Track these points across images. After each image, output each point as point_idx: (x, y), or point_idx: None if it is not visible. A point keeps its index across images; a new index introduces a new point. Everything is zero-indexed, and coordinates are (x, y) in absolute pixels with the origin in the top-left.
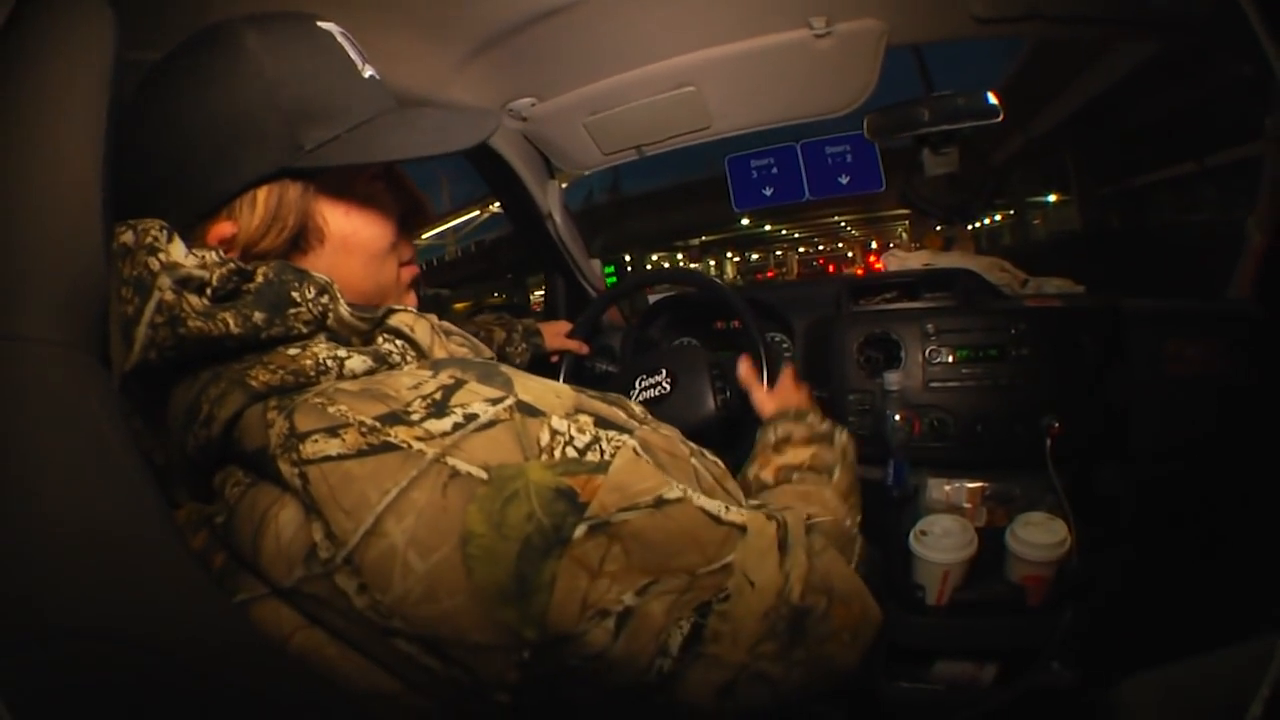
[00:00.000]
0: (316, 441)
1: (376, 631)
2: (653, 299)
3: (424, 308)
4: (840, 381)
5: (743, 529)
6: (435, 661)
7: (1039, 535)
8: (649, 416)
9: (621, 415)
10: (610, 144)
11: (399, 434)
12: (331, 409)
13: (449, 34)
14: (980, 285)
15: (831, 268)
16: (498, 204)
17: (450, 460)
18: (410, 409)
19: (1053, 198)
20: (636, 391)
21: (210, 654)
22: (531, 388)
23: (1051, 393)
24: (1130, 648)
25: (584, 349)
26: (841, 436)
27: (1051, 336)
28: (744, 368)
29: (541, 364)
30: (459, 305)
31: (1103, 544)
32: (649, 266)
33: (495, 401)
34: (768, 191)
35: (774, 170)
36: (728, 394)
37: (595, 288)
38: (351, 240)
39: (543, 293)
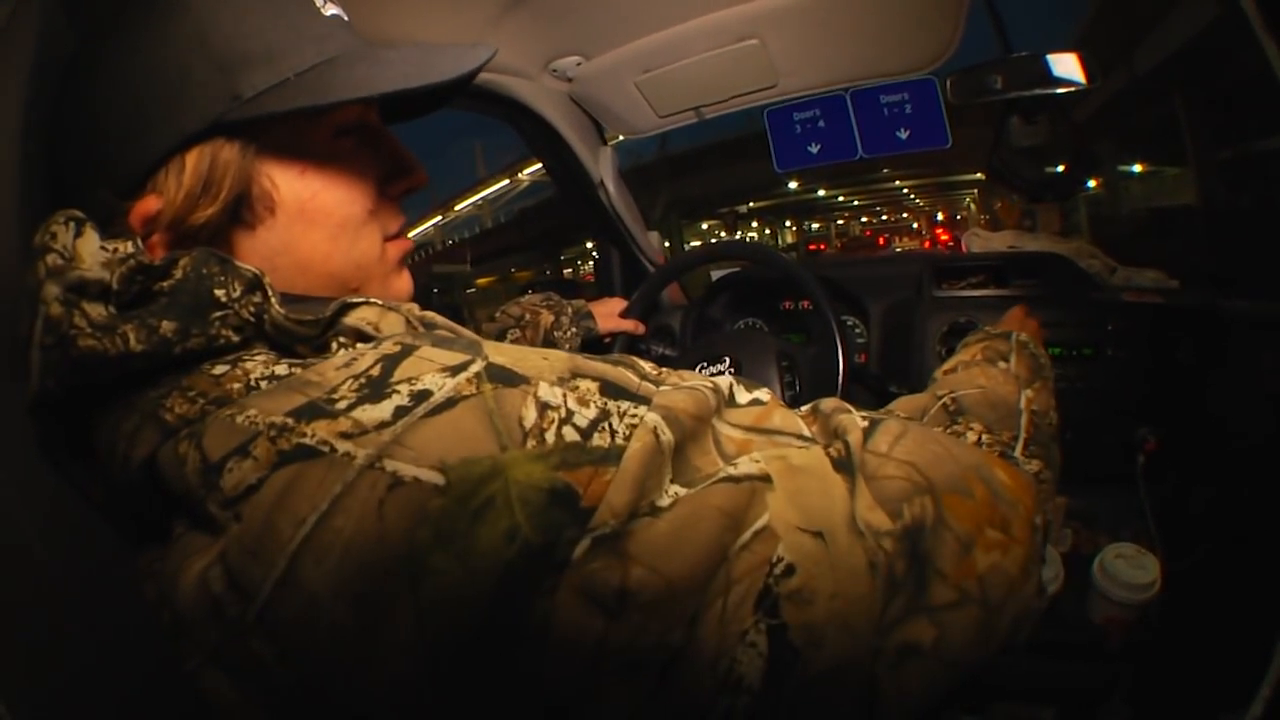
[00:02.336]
0: (232, 470)
1: (314, 710)
2: (715, 275)
3: (436, 288)
4: (920, 375)
5: (765, 477)
6: None
7: (1129, 574)
8: (664, 370)
9: (632, 378)
10: (666, 105)
11: (316, 431)
12: (240, 418)
13: None
14: (1073, 273)
15: (882, 240)
16: (528, 171)
17: (389, 464)
18: (335, 395)
19: (1137, 168)
20: None
21: None
22: (507, 349)
23: (1147, 401)
24: (1198, 691)
25: (640, 329)
26: (1020, 336)
27: (1149, 337)
28: None
29: (593, 347)
30: (481, 281)
31: (1190, 579)
32: (688, 241)
33: (456, 370)
34: (814, 149)
35: (820, 124)
36: (797, 388)
37: (653, 262)
38: (310, 206)
39: (569, 269)
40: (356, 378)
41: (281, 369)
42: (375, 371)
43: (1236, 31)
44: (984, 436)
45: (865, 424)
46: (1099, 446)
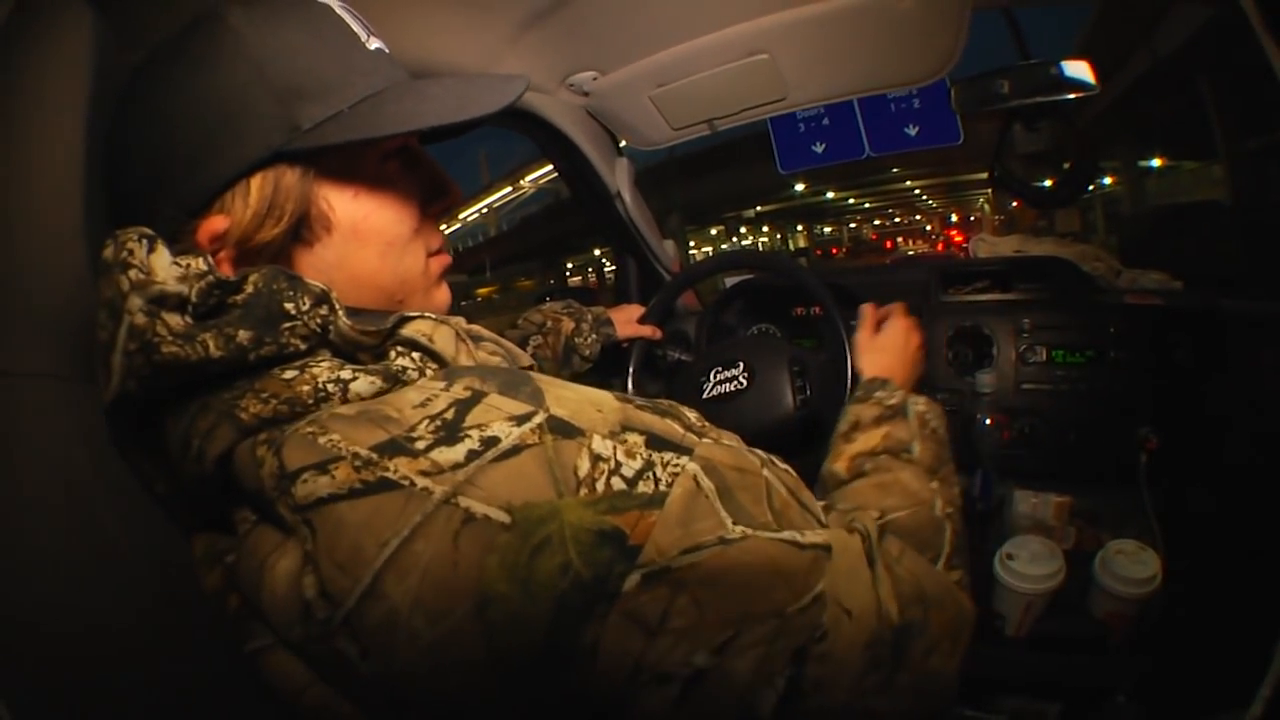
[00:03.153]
0: (306, 481)
1: (387, 700)
2: (729, 282)
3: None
4: (928, 379)
5: (827, 549)
6: None
7: (1130, 569)
8: (707, 424)
9: (677, 429)
10: (680, 118)
11: (399, 468)
12: (323, 439)
13: (498, 5)
14: (1076, 277)
15: (889, 244)
16: (530, 177)
17: (463, 500)
18: (414, 434)
19: (1157, 162)
20: (711, 383)
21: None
22: (567, 399)
23: (1149, 402)
24: (1204, 685)
25: (657, 334)
26: (917, 406)
27: (1150, 339)
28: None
29: (612, 352)
30: (482, 291)
31: (1191, 576)
32: (698, 248)
33: (521, 420)
34: (819, 148)
35: (825, 123)
36: (808, 392)
37: (668, 270)
38: (363, 226)
39: (578, 277)
40: (432, 419)
41: (346, 374)
42: (449, 415)
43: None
44: None
45: (878, 524)
46: (1102, 447)
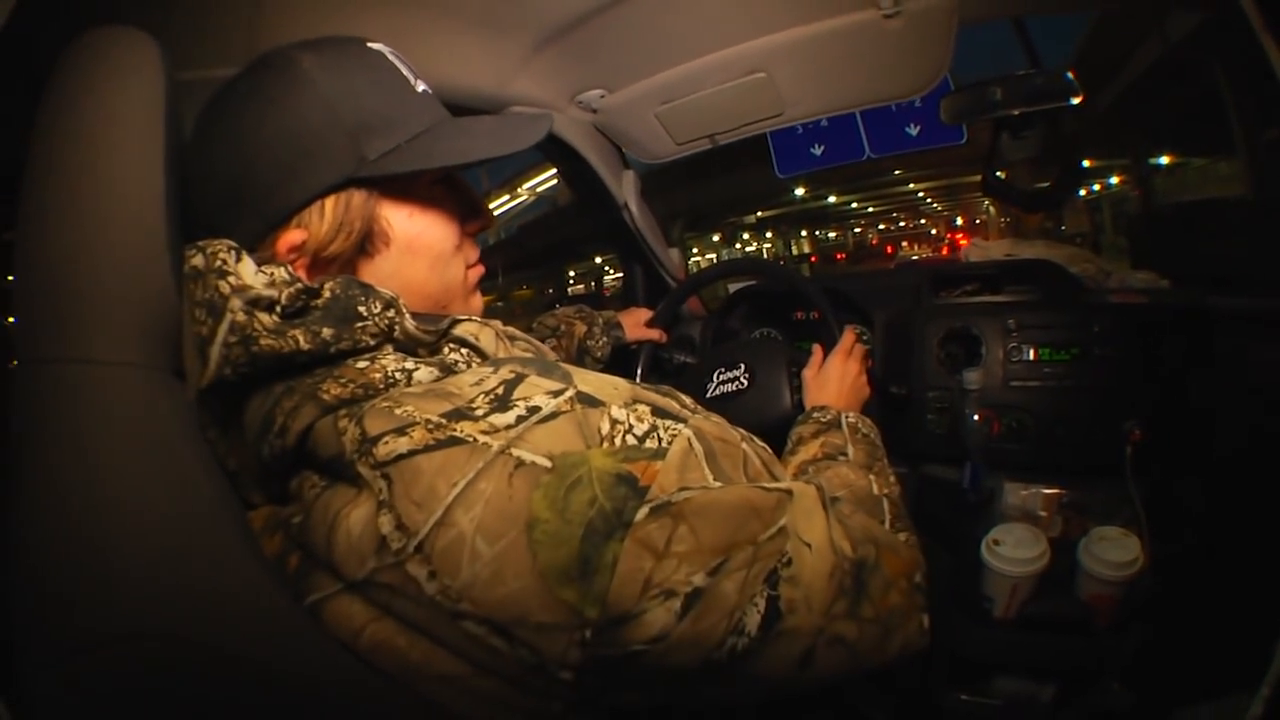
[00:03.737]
0: (387, 442)
1: (446, 615)
2: (732, 289)
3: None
4: (920, 377)
5: (789, 492)
6: (501, 642)
7: (1113, 553)
8: (699, 407)
9: (675, 405)
10: (683, 133)
11: (464, 428)
12: (399, 410)
13: (511, 30)
14: (1063, 278)
15: (890, 249)
16: (528, 185)
17: (515, 451)
18: (474, 405)
19: (1165, 159)
20: (714, 384)
21: (283, 652)
22: (590, 379)
23: (1134, 396)
24: (1194, 672)
25: (664, 338)
26: (849, 418)
27: (1134, 336)
28: (810, 368)
29: (621, 354)
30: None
31: (1176, 562)
32: (695, 251)
33: (556, 394)
34: (817, 151)
35: (824, 125)
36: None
37: (674, 277)
38: (417, 242)
39: (581, 285)
40: (487, 394)
41: (409, 364)
42: (500, 391)
43: None
44: None
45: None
46: (1088, 440)
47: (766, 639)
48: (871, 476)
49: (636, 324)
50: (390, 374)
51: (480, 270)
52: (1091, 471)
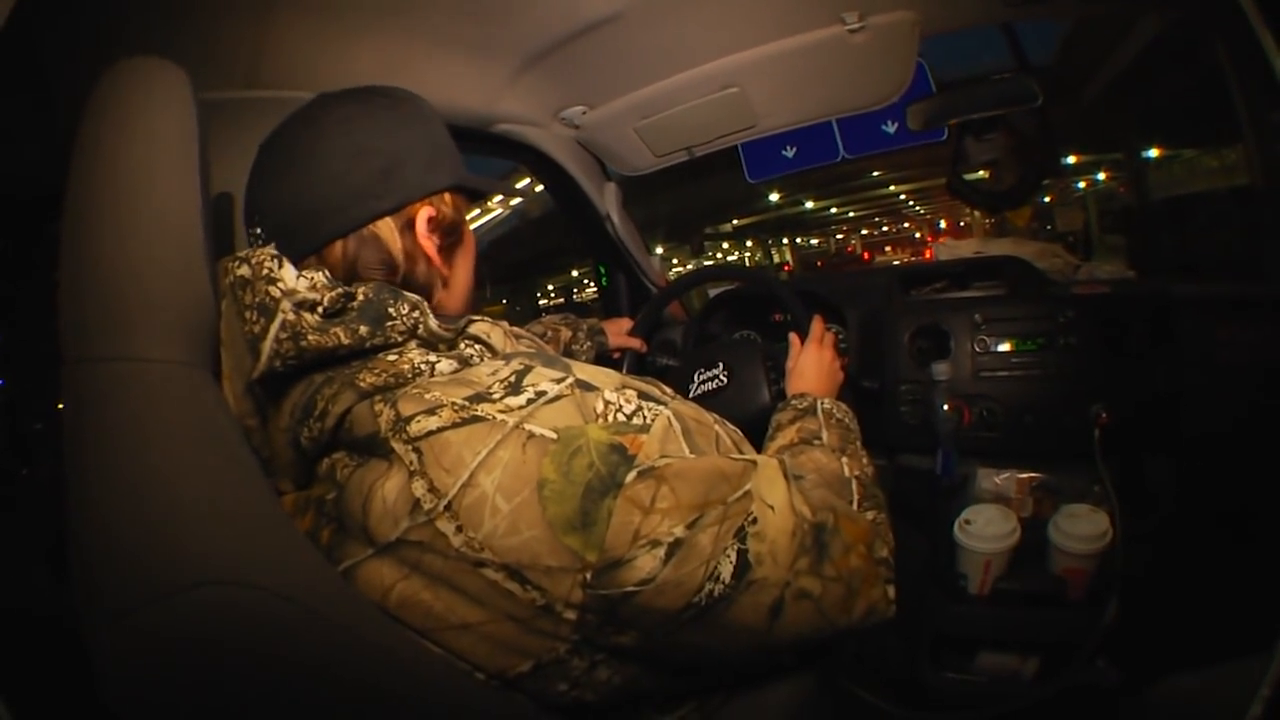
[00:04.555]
0: (419, 421)
1: (468, 564)
2: (712, 294)
3: None
4: (892, 372)
5: (754, 462)
6: (516, 585)
7: (1080, 527)
8: (677, 394)
9: (657, 392)
10: (661, 146)
11: (485, 409)
12: (428, 395)
13: (498, 53)
14: (1028, 273)
15: (867, 255)
16: (498, 199)
17: (527, 426)
18: (492, 390)
19: (1154, 152)
20: (695, 384)
21: (326, 601)
22: (586, 370)
23: (1099, 382)
24: (1174, 645)
25: (644, 348)
26: (824, 404)
27: (1099, 324)
28: (789, 359)
29: (604, 360)
30: None
31: (1147, 537)
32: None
33: (559, 380)
34: (789, 153)
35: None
36: (781, 385)
37: (655, 284)
38: (472, 246)
39: (561, 298)
40: (501, 381)
41: (432, 357)
42: (512, 378)
43: None
44: None
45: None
46: (1057, 426)
47: (739, 587)
48: (844, 459)
49: (619, 331)
50: (417, 365)
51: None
52: (1061, 455)
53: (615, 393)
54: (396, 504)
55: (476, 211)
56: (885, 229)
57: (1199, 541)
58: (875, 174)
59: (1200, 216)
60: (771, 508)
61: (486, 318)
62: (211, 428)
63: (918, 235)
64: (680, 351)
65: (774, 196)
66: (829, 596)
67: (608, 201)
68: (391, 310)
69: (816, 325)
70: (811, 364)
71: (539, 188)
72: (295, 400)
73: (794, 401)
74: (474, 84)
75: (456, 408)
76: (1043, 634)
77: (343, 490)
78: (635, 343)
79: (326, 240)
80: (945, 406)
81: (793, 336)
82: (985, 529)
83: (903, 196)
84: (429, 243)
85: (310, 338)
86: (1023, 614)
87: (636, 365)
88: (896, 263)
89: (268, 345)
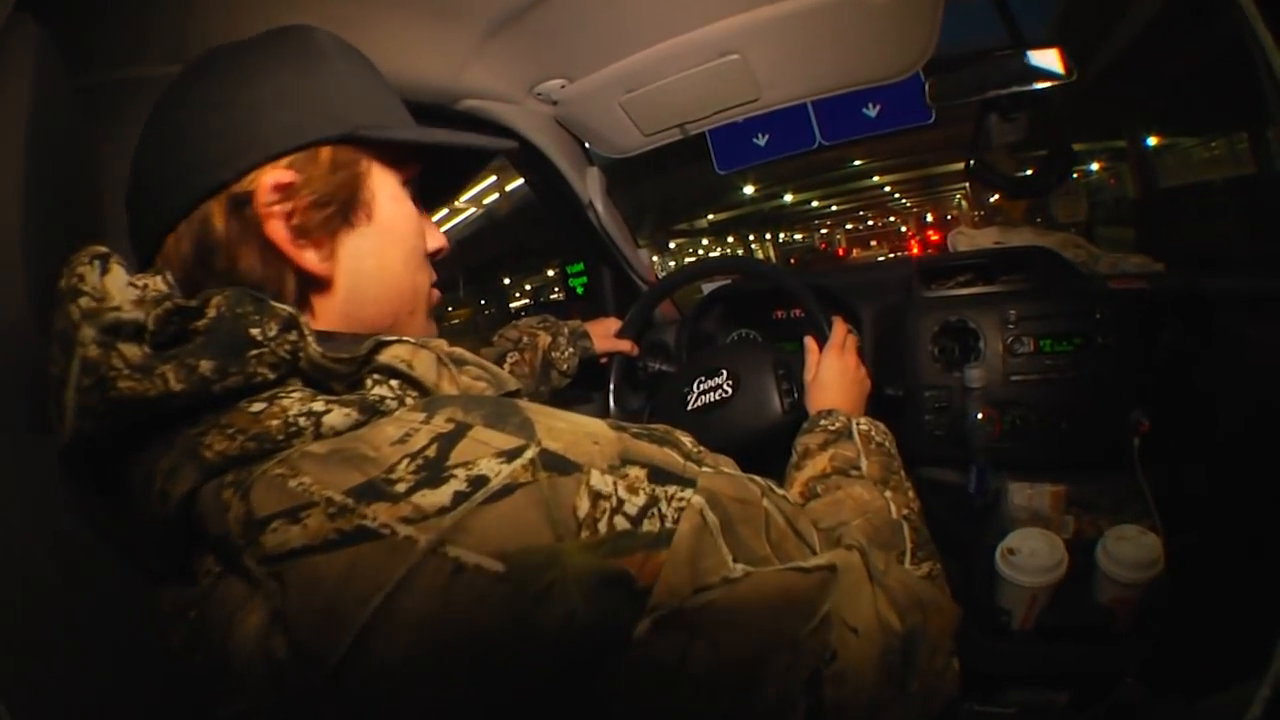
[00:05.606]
0: (277, 530)
1: None
2: (707, 289)
3: None
4: (914, 376)
5: (832, 568)
6: None
7: (1132, 553)
8: (703, 449)
9: (678, 460)
10: (651, 123)
11: (378, 514)
12: (293, 483)
13: (460, 16)
14: (1060, 265)
15: (841, 251)
16: (465, 198)
17: (451, 550)
18: (394, 475)
19: (1153, 141)
20: (695, 394)
21: None
22: (560, 431)
23: (1139, 385)
24: (1206, 663)
25: (634, 350)
26: (860, 426)
27: (1137, 322)
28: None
29: (590, 367)
30: None
31: (1191, 555)
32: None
33: (511, 456)
34: (761, 141)
35: (768, 111)
36: (795, 395)
37: (644, 280)
38: (395, 226)
39: (532, 299)
40: (413, 458)
41: (318, 405)
42: (431, 452)
43: None
44: None
45: (864, 541)
46: (1094, 434)
47: None
48: (888, 494)
49: (605, 334)
50: (292, 420)
51: (437, 295)
52: (1097, 466)
53: (610, 475)
54: (259, 662)
55: (444, 212)
56: (871, 223)
57: (1235, 554)
58: (857, 163)
59: (1214, 205)
60: (855, 630)
61: (408, 338)
62: (31, 521)
63: (904, 229)
64: (674, 355)
65: (749, 189)
66: (909, 715)
67: (590, 188)
68: (255, 331)
69: (839, 328)
70: (835, 374)
71: (509, 186)
72: (135, 472)
73: (823, 421)
74: (433, 52)
75: (332, 511)
76: (1084, 667)
77: (204, 610)
78: (625, 345)
79: (156, 235)
80: (979, 415)
81: (809, 341)
82: (1030, 560)
83: (888, 189)
84: (275, 222)
85: (122, 385)
86: (1067, 649)
87: (626, 371)
88: (880, 259)
89: (69, 397)
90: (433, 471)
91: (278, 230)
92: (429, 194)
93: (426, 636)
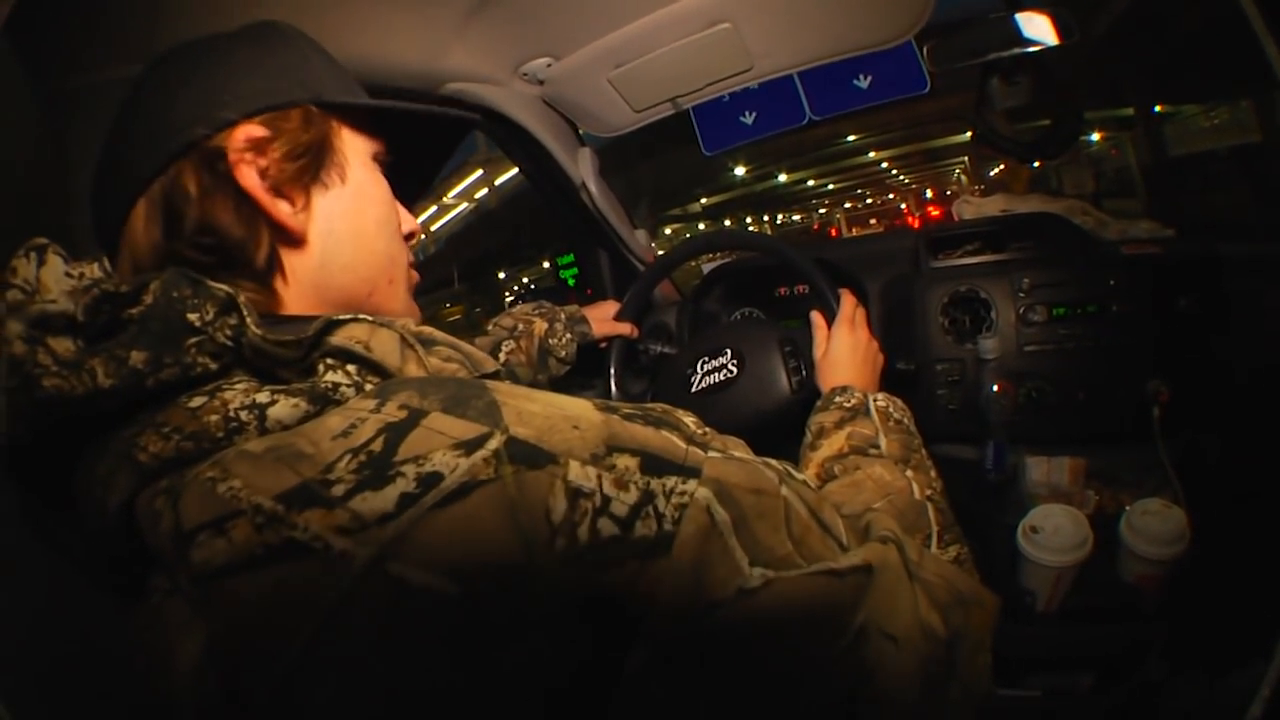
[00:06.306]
0: (204, 544)
1: None
2: (707, 268)
3: None
4: (924, 350)
5: (868, 570)
6: None
7: (1158, 529)
8: (708, 430)
9: (678, 444)
10: (641, 99)
11: (309, 524)
12: (222, 487)
13: None
14: (1071, 232)
15: (834, 231)
16: (453, 194)
17: (394, 566)
18: (331, 476)
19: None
20: (699, 376)
21: None
22: (532, 415)
23: (1156, 354)
24: (1230, 639)
25: (634, 332)
26: (877, 402)
27: (1151, 288)
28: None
29: (589, 352)
30: None
31: (1213, 527)
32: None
33: (471, 447)
34: (748, 119)
35: (754, 87)
36: (803, 372)
37: (642, 261)
38: (367, 191)
39: (511, 297)
40: (355, 453)
41: (263, 397)
42: (377, 446)
43: None
44: None
45: (899, 531)
46: (1112, 404)
47: None
48: (910, 473)
49: (604, 318)
50: (234, 414)
51: (416, 276)
52: (1116, 437)
53: (592, 467)
54: (194, 695)
55: (433, 209)
56: (870, 201)
57: (1257, 527)
58: (851, 139)
59: (1216, 173)
60: (893, 639)
61: (365, 316)
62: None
63: (904, 207)
64: (676, 336)
65: (740, 171)
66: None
67: (583, 169)
68: (193, 317)
69: (848, 302)
70: (847, 349)
71: (498, 180)
72: (79, 481)
73: (837, 398)
74: (414, 35)
75: (260, 520)
76: (1110, 647)
77: (156, 629)
78: (624, 328)
79: (122, 206)
80: (995, 388)
81: (816, 317)
82: (1055, 538)
83: (884, 165)
84: (247, 169)
85: (47, 383)
86: (1092, 630)
87: (627, 355)
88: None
89: (0, 402)
90: (376, 470)
91: (250, 178)
92: (404, 182)
93: (365, 681)
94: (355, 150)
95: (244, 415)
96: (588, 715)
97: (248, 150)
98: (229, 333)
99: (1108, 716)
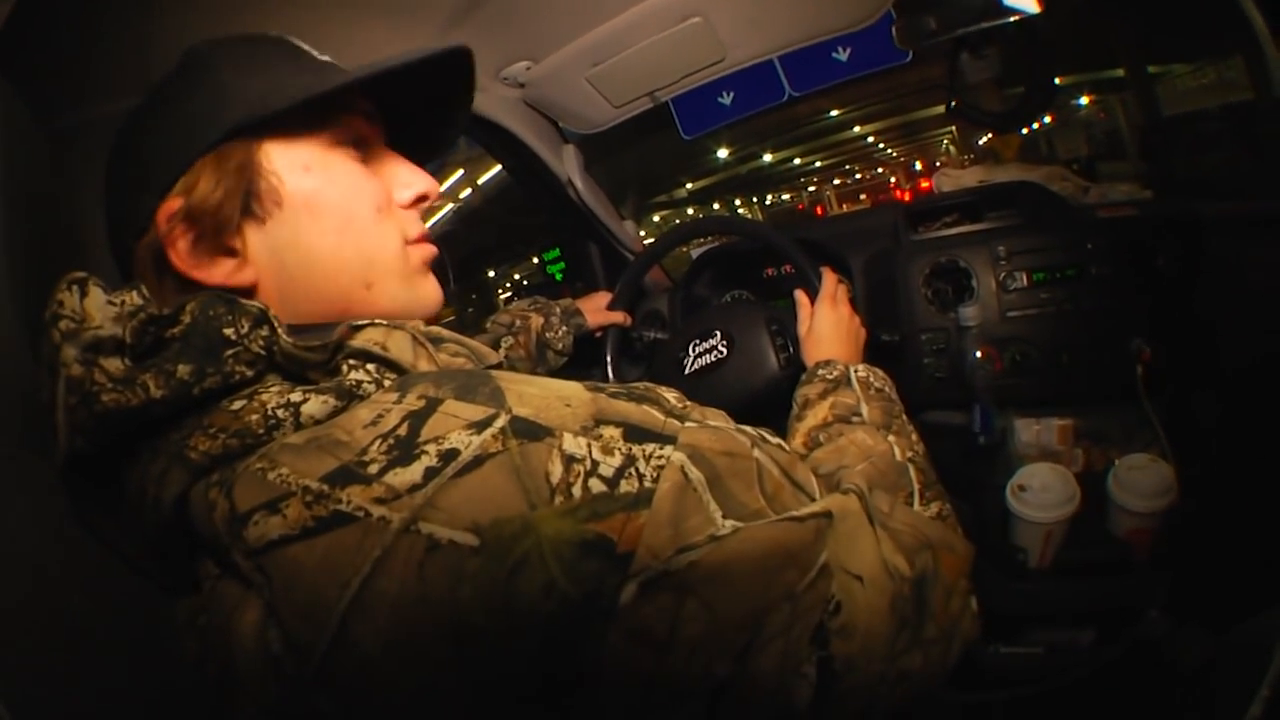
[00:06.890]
0: (258, 523)
1: None
2: (695, 254)
3: None
4: (909, 321)
5: (828, 515)
6: None
7: (1144, 482)
8: (689, 404)
9: (657, 416)
10: (619, 95)
11: (352, 498)
12: (272, 475)
13: (418, 11)
14: (1046, 198)
15: (820, 210)
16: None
17: (424, 526)
18: (366, 458)
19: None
20: (691, 358)
21: None
22: (530, 397)
23: (1137, 314)
24: (1231, 592)
25: (627, 320)
26: (858, 372)
27: (1129, 250)
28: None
29: (587, 342)
30: None
31: (1203, 482)
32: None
33: (481, 426)
34: (726, 99)
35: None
36: (790, 350)
37: (631, 251)
38: (316, 200)
39: (505, 294)
40: (384, 438)
41: (296, 396)
42: (403, 431)
43: None
44: None
45: (863, 484)
46: (1096, 364)
47: (821, 711)
48: (891, 438)
49: (597, 308)
50: (271, 413)
51: (429, 250)
52: (1102, 396)
53: (583, 437)
54: (256, 659)
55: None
56: (860, 177)
57: (1251, 480)
58: (834, 114)
59: (1210, 132)
60: (859, 578)
61: (380, 320)
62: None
63: (893, 181)
64: (669, 322)
65: (723, 153)
66: (930, 663)
67: (568, 165)
68: (229, 331)
69: (829, 279)
70: (829, 324)
71: (481, 179)
72: (131, 483)
73: (820, 371)
74: (395, 48)
75: (309, 498)
76: (1106, 601)
77: (209, 615)
78: (618, 317)
79: (124, 249)
80: (978, 354)
81: (799, 294)
82: (1043, 495)
83: (870, 139)
84: (175, 252)
85: (105, 398)
86: (1086, 584)
87: (622, 342)
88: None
89: (60, 418)
90: (404, 450)
91: (179, 258)
92: (417, 141)
93: (406, 617)
94: (290, 159)
95: (281, 413)
96: (585, 642)
97: (173, 229)
98: (261, 343)
99: (1113, 672)
